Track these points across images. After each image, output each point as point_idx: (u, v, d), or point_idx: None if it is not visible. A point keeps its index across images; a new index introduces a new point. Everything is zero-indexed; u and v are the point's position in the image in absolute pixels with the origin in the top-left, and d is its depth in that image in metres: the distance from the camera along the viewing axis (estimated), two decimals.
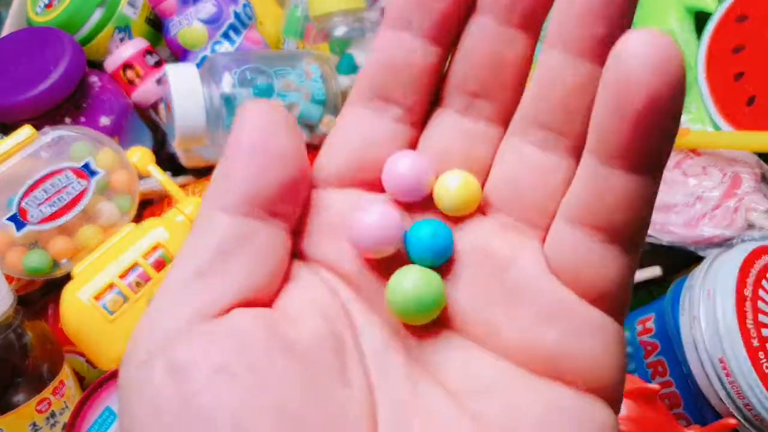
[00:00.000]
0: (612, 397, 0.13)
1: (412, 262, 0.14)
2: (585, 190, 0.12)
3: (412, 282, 0.13)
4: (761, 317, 0.35)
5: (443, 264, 0.14)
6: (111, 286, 0.33)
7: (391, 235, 0.13)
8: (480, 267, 0.14)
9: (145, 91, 0.50)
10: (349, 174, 0.14)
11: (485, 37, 0.13)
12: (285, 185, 0.13)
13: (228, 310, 0.12)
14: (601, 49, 0.12)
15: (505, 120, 0.14)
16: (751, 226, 0.39)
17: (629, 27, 0.12)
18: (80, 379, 0.37)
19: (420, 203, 0.14)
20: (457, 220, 0.14)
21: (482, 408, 0.12)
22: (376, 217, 0.13)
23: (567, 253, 0.13)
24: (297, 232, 0.14)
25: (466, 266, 0.14)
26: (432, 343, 0.14)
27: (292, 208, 0.14)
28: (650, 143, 0.11)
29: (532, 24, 0.13)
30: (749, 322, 0.34)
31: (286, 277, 0.14)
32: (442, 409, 0.13)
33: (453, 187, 0.14)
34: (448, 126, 0.14)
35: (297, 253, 0.14)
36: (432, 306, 0.13)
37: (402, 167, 0.14)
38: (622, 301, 0.13)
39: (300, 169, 0.14)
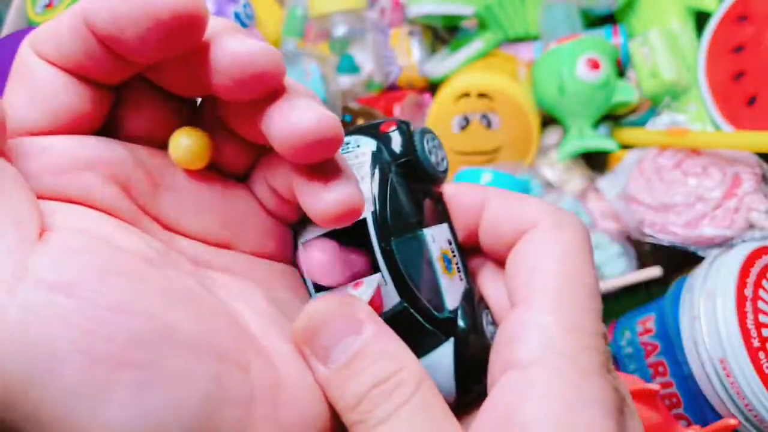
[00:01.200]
0: None
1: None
2: None
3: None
4: (762, 317, 0.35)
5: None
6: None
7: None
8: None
9: None
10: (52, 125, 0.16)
11: None
12: None
13: (40, 235, 0.14)
14: None
15: None
16: (751, 226, 0.39)
17: None
18: None
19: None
20: None
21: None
22: (327, 257, 0.18)
23: None
24: None
25: None
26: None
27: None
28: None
29: None
30: (750, 322, 0.34)
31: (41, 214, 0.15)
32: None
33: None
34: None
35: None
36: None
37: None
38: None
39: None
